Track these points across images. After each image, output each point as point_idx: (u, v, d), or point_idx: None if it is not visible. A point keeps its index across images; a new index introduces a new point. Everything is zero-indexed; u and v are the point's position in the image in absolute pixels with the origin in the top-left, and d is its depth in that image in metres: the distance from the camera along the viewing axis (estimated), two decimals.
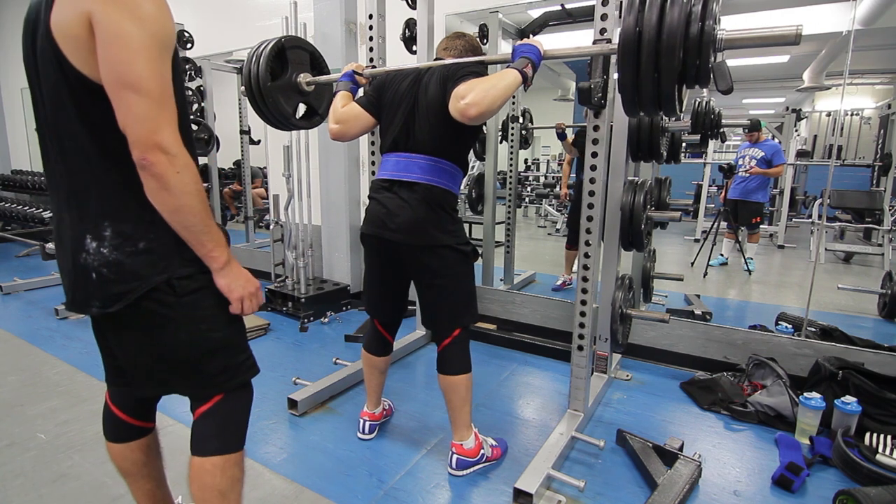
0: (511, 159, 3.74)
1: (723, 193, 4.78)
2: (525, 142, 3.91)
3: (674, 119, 2.17)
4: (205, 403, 1.07)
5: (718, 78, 1.23)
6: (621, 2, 1.84)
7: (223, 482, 1.06)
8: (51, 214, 1.07)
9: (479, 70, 1.51)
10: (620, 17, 1.32)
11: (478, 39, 1.78)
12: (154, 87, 0.85)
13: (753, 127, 4.45)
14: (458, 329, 1.69)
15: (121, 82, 0.83)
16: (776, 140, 5.19)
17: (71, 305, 1.01)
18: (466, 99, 1.32)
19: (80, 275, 0.95)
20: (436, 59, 1.74)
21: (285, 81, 1.89)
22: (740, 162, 4.57)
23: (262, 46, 1.90)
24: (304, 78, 1.96)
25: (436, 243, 1.59)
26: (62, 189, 0.96)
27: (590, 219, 1.83)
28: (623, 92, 1.32)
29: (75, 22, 0.83)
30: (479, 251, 3.55)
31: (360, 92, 1.84)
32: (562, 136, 3.91)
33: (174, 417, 2.05)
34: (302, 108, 2.14)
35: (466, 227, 4.56)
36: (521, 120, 3.71)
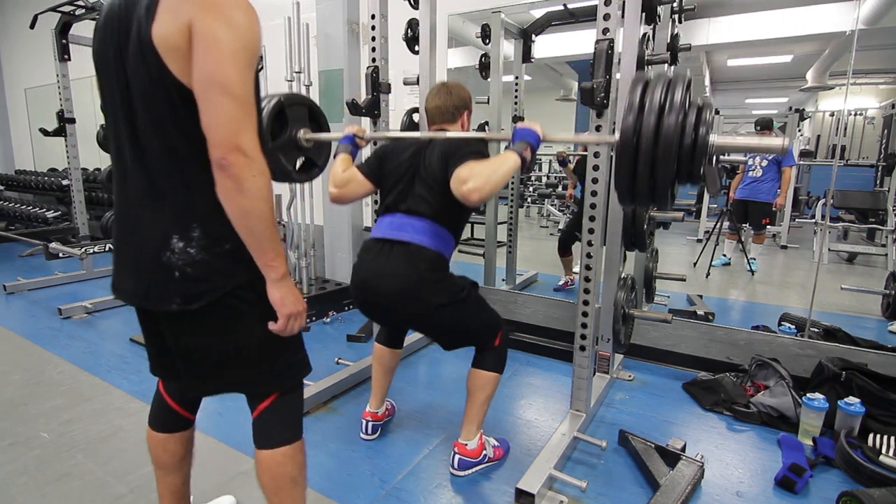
0: None
1: (729, 193, 4.76)
2: None
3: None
4: (264, 400, 1.12)
5: (709, 182, 1.33)
6: (623, 2, 1.84)
7: (294, 469, 1.13)
8: (112, 213, 1.11)
9: (480, 149, 1.56)
10: (619, 120, 1.38)
11: (466, 89, 1.79)
12: (241, 91, 0.89)
13: (765, 125, 4.40)
14: (497, 340, 1.72)
15: (211, 82, 0.87)
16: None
17: (141, 301, 1.02)
18: (469, 184, 1.37)
19: (161, 272, 0.97)
20: (430, 125, 1.77)
21: (285, 139, 1.91)
22: (750, 162, 4.53)
23: (263, 105, 1.89)
24: (303, 134, 1.98)
25: (429, 308, 1.58)
26: (140, 188, 0.98)
27: (592, 219, 1.83)
28: (619, 187, 1.39)
29: (177, 33, 0.87)
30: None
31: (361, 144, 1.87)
32: (563, 163, 4.04)
33: None
34: (300, 160, 2.16)
35: (468, 227, 4.56)
36: (523, 121, 3.71)
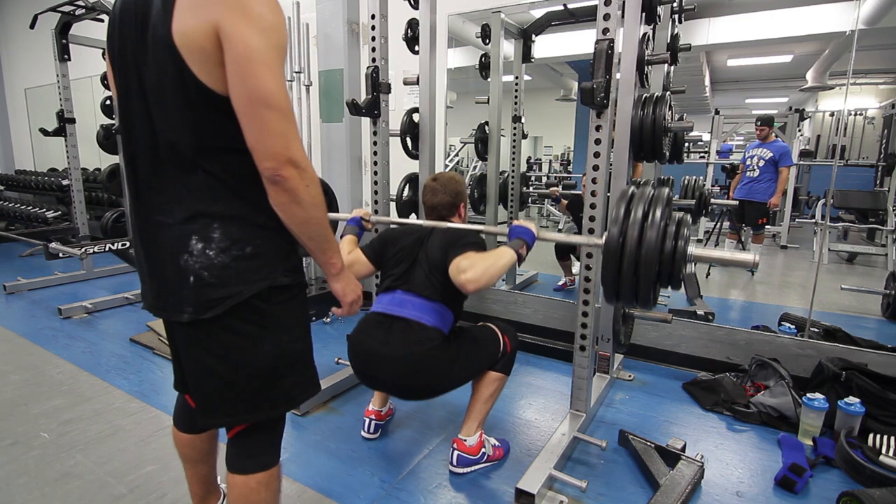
0: (513, 159, 3.73)
1: (729, 193, 4.75)
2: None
3: (677, 119, 2.17)
4: (242, 423, 1.05)
5: (688, 285, 1.46)
6: (623, 2, 1.84)
7: (269, 496, 1.07)
8: (131, 219, 1.07)
9: (478, 240, 1.66)
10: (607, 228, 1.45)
11: (457, 182, 1.85)
12: (283, 102, 0.85)
13: (765, 122, 4.39)
14: (509, 347, 1.77)
15: (254, 98, 0.83)
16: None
17: (159, 311, 0.99)
18: (467, 274, 1.45)
19: (176, 279, 0.93)
20: (429, 217, 1.85)
21: None
22: (748, 162, 4.53)
23: None
24: None
25: (431, 382, 1.63)
26: (156, 189, 0.95)
27: (592, 219, 1.83)
28: (605, 287, 1.48)
29: (202, 34, 0.82)
30: None
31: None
32: (557, 200, 4.20)
33: None
34: None
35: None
36: (522, 120, 3.71)
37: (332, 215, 2.08)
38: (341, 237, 1.86)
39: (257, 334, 0.98)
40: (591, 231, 1.84)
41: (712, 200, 3.40)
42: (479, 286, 1.44)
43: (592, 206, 1.82)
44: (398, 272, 1.72)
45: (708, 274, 4.46)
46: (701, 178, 2.88)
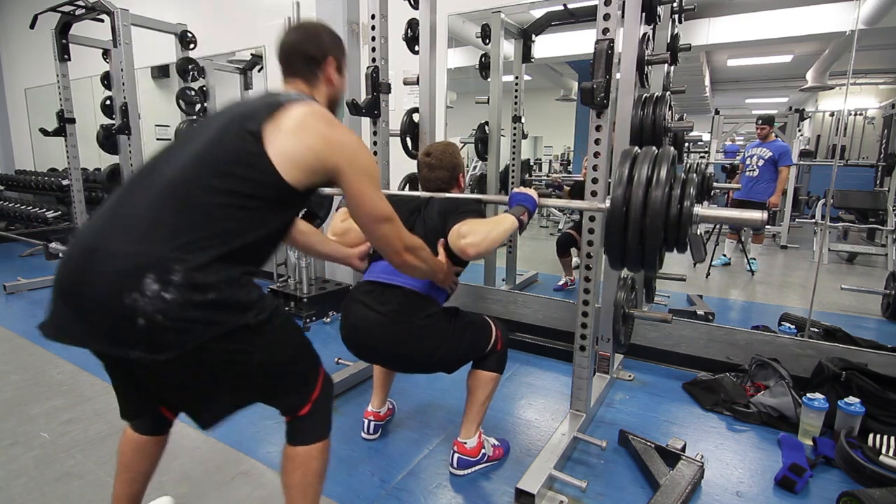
0: (513, 159, 3.74)
1: (728, 193, 4.75)
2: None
3: (676, 119, 2.17)
4: (304, 407, 1.16)
5: (694, 248, 1.42)
6: (623, 2, 1.84)
7: (323, 464, 1.20)
8: (69, 223, 1.06)
9: (478, 209, 1.63)
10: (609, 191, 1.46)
11: (452, 155, 1.78)
12: (389, 213, 1.16)
13: (766, 121, 4.40)
14: (500, 344, 1.72)
15: (371, 218, 1.15)
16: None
17: (97, 343, 0.90)
18: (467, 239, 1.44)
19: (120, 316, 0.85)
20: (424, 187, 1.80)
21: None
22: (748, 162, 4.54)
23: None
24: None
25: (422, 355, 1.58)
26: (126, 217, 0.93)
27: (592, 219, 1.83)
28: (610, 254, 1.45)
29: (314, 158, 1.04)
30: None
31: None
32: (559, 188, 4.41)
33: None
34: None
35: None
36: (522, 120, 3.71)
37: (328, 190, 2.09)
38: (336, 209, 1.87)
39: (242, 356, 0.99)
40: (590, 231, 1.84)
41: (714, 185, 3.37)
42: (479, 251, 1.43)
43: (595, 168, 1.81)
44: None
45: (708, 274, 4.46)
46: (704, 160, 2.88)
